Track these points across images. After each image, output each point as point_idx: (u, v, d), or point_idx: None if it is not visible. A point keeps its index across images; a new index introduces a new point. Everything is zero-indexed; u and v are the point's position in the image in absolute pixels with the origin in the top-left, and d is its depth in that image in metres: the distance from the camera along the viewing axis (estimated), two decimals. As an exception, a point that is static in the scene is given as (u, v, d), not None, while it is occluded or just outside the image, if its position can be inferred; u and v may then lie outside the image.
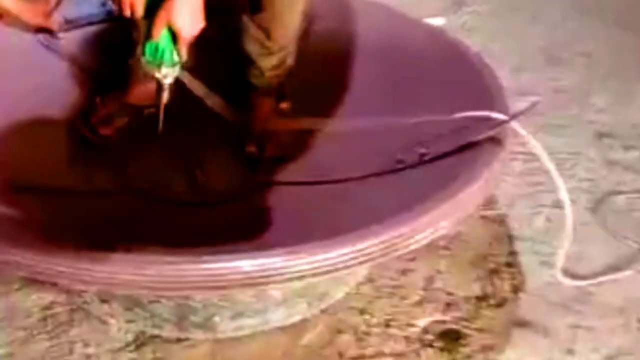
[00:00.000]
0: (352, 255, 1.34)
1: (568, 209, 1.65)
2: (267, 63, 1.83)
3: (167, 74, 1.59)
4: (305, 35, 2.07)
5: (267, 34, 1.79)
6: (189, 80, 1.76)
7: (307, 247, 1.33)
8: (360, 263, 1.37)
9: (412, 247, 1.42)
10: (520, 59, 2.61)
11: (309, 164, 1.79)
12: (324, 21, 2.11)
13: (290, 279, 1.33)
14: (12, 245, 1.34)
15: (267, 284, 1.33)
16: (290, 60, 1.86)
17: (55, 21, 1.90)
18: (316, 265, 1.32)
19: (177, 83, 1.68)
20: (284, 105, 1.91)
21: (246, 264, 1.30)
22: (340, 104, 1.92)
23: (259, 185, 1.75)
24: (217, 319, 1.57)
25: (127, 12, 1.58)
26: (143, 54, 1.58)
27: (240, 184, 1.76)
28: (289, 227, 1.55)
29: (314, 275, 1.33)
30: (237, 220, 1.63)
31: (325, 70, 1.99)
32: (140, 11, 1.58)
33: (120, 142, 1.82)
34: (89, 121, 1.82)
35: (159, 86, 1.61)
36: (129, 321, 1.63)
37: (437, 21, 2.60)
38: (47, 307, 1.69)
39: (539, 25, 2.82)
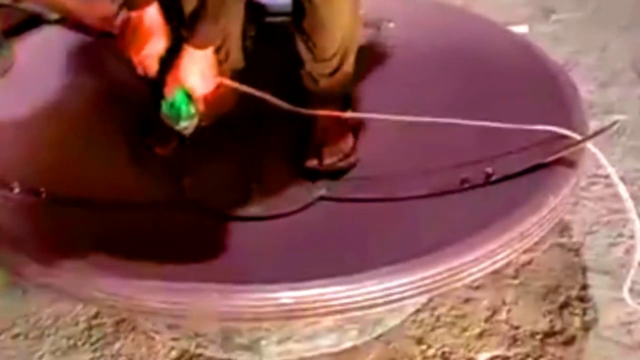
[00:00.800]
0: (407, 287, 1.29)
1: (638, 241, 1.56)
2: (317, 69, 1.78)
3: (186, 126, 1.64)
4: (375, 41, 2.04)
5: (313, 42, 1.74)
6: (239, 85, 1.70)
7: (360, 277, 1.29)
8: (416, 295, 1.31)
9: (471, 279, 1.36)
10: (609, 74, 2.50)
11: (370, 179, 1.73)
12: (396, 26, 2.07)
13: (341, 311, 1.29)
14: (53, 267, 1.33)
15: (312, 316, 1.30)
16: (347, 68, 1.80)
17: (117, 25, 1.89)
18: (371, 297, 1.28)
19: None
20: (347, 115, 1.86)
21: (285, 295, 1.28)
22: (407, 113, 1.86)
23: (318, 200, 1.71)
24: (263, 342, 1.53)
25: (141, 72, 1.63)
26: (160, 109, 1.62)
27: (298, 198, 1.71)
28: (346, 248, 1.50)
29: (369, 307, 1.29)
30: (293, 236, 1.60)
31: (394, 79, 1.94)
32: (153, 71, 1.62)
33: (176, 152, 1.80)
34: (144, 141, 1.80)
35: (180, 135, 1.67)
36: (174, 339, 1.61)
37: (521, 29, 2.51)
38: (94, 317, 1.70)
39: (631, 38, 2.68)
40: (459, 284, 1.34)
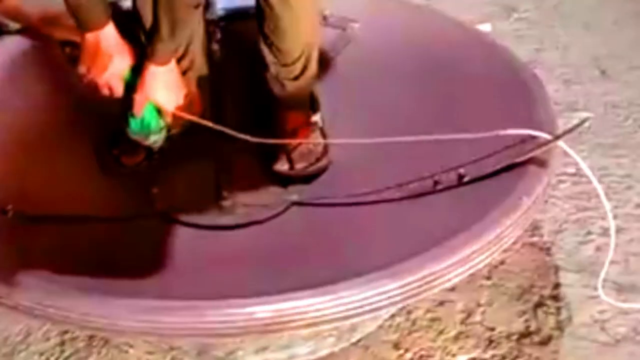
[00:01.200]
0: (388, 295, 1.29)
1: (613, 238, 1.57)
2: (282, 73, 1.77)
3: (156, 140, 1.65)
4: (338, 42, 2.03)
5: (276, 46, 1.73)
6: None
7: (340, 287, 1.28)
8: (397, 303, 1.31)
9: (451, 283, 1.36)
10: (571, 71, 2.52)
11: (342, 183, 1.71)
12: (360, 26, 2.06)
13: (322, 323, 1.28)
14: (22, 288, 1.32)
15: (290, 329, 1.28)
16: (311, 70, 1.78)
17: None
18: (352, 306, 1.27)
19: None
20: (315, 118, 1.84)
21: (262, 309, 1.26)
22: (375, 118, 1.85)
23: (290, 206, 1.69)
24: (240, 353, 1.52)
25: (106, 93, 1.60)
26: (128, 126, 1.62)
27: (270, 204, 1.69)
28: (322, 256, 1.49)
29: (350, 317, 1.28)
30: (264, 246, 1.58)
31: (360, 82, 1.93)
32: (119, 91, 1.60)
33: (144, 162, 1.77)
34: (111, 151, 1.77)
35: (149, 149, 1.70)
36: (148, 352, 1.59)
37: (485, 27, 2.52)
38: (65, 332, 1.66)
39: (593, 34, 2.71)
40: (438, 289, 1.33)
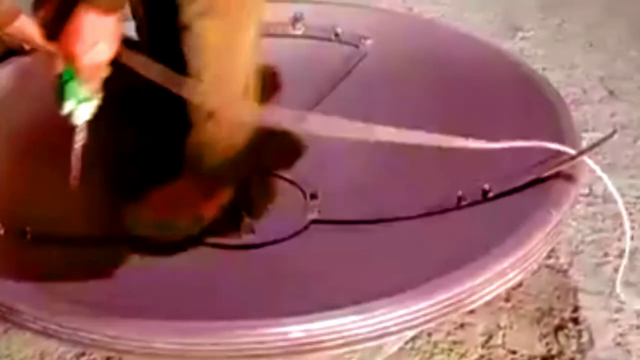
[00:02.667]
0: (418, 314, 1.31)
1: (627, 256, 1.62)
2: None
3: (74, 112, 1.39)
4: (351, 59, 2.07)
5: None
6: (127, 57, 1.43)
7: (373, 306, 1.30)
8: (428, 322, 1.33)
9: (483, 300, 1.39)
10: (579, 91, 2.57)
11: (363, 200, 1.75)
12: (373, 43, 2.10)
13: (352, 343, 1.30)
14: (46, 311, 1.32)
15: (318, 350, 1.30)
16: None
17: None
18: (386, 325, 1.29)
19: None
20: None
21: (297, 329, 1.28)
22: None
23: (310, 224, 1.72)
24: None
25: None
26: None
27: (290, 222, 1.72)
28: (347, 274, 1.51)
29: (384, 335, 1.30)
30: (287, 265, 1.61)
31: (375, 100, 1.97)
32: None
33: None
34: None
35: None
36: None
37: (490, 45, 2.57)
38: (82, 354, 1.67)
39: (598, 54, 2.77)
40: (472, 306, 1.37)
